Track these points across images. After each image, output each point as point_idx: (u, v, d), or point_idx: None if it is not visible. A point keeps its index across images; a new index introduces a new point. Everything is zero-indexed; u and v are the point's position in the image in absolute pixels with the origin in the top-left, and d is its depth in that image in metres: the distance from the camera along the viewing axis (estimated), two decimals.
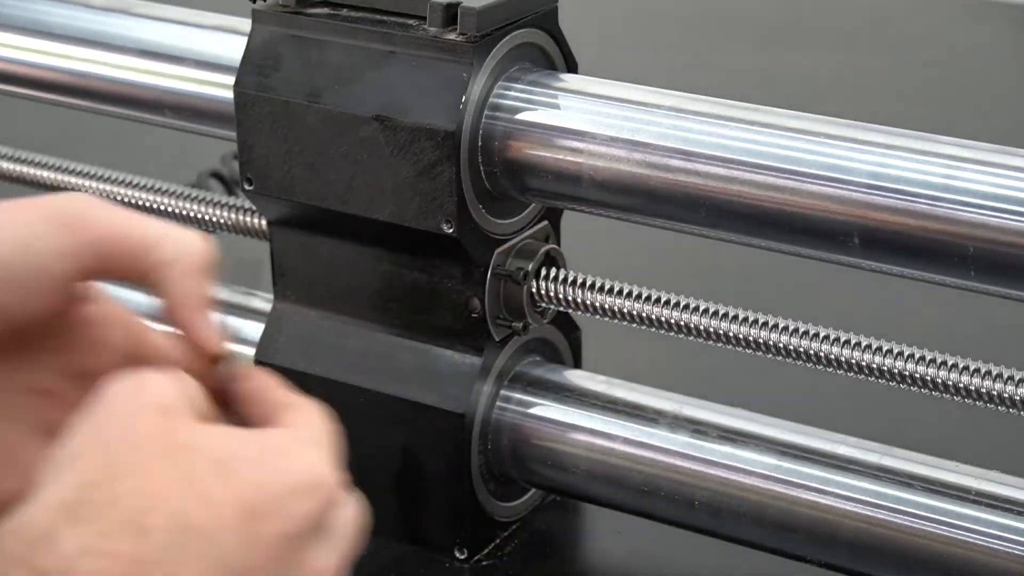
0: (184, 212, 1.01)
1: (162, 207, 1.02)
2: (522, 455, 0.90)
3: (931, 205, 0.75)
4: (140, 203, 1.03)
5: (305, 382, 0.76)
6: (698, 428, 0.86)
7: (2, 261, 0.61)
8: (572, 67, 0.90)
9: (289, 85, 0.88)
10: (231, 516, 0.58)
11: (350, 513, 0.62)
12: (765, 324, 0.82)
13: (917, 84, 1.59)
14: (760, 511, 0.83)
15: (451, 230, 0.85)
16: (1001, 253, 0.74)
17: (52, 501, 0.57)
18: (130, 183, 1.05)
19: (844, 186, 0.77)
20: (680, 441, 0.86)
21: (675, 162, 0.81)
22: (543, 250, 0.88)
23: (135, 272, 0.64)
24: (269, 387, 0.65)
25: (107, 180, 1.05)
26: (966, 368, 0.78)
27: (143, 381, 0.60)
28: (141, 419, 0.59)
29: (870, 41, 1.72)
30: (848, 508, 0.81)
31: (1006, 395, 0.78)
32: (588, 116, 0.84)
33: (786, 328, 0.82)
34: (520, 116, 0.85)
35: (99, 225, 0.62)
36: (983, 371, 0.78)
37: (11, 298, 0.62)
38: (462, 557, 0.90)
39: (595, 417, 0.88)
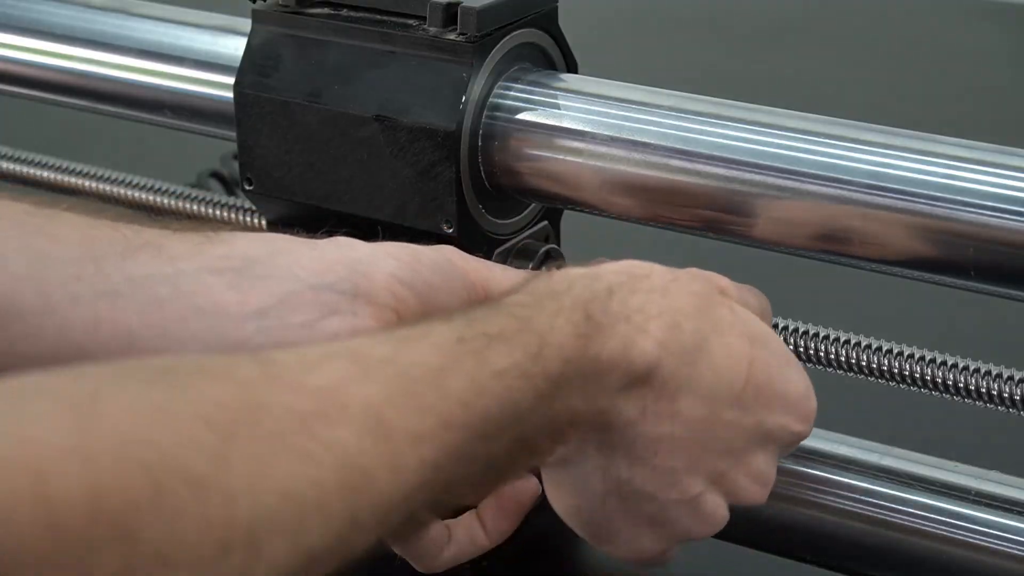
0: (184, 212, 1.01)
1: (162, 207, 1.02)
2: None
3: (931, 205, 0.75)
4: (140, 203, 1.03)
5: None
6: None
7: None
8: (572, 67, 0.90)
9: (289, 85, 0.88)
10: (740, 376, 0.69)
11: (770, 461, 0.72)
12: None
13: (917, 84, 1.59)
14: (759, 511, 0.83)
15: (451, 230, 0.85)
16: (1001, 253, 0.74)
17: (612, 272, 0.68)
18: (130, 183, 1.05)
19: (844, 186, 0.77)
20: None
21: (675, 162, 0.81)
22: (543, 250, 0.88)
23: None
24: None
25: (107, 180, 1.05)
26: (966, 368, 0.78)
27: (714, 276, 0.73)
28: (707, 286, 0.71)
29: (870, 41, 1.72)
30: (848, 508, 0.81)
31: (1006, 395, 0.78)
32: (588, 116, 0.84)
33: (786, 328, 0.82)
34: (520, 116, 0.85)
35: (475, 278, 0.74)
36: (983, 371, 0.78)
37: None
38: None
39: None
